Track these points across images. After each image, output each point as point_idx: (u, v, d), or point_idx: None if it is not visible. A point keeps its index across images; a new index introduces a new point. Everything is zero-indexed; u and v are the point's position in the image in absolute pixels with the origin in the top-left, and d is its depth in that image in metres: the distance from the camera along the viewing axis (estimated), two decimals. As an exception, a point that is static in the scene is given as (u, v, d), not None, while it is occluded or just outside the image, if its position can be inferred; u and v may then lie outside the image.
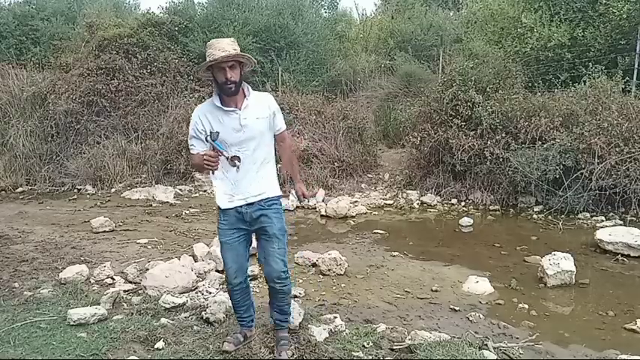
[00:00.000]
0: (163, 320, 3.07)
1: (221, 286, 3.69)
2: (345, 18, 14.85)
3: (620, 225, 5.38)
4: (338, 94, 10.42)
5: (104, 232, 5.53)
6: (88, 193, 7.94)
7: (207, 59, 2.41)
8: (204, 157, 2.33)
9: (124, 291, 3.62)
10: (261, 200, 2.55)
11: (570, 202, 5.98)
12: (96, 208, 6.90)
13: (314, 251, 4.56)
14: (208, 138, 2.38)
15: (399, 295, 3.79)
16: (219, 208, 2.59)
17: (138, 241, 5.13)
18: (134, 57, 9.19)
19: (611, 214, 5.95)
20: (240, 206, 2.53)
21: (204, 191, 7.85)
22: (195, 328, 2.99)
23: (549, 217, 6.05)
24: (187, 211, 6.64)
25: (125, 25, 9.86)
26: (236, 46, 2.44)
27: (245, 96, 2.51)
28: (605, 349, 2.98)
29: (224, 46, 2.40)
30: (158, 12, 11.08)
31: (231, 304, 2.82)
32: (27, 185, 8.43)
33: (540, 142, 6.26)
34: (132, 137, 8.75)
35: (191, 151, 2.56)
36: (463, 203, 6.85)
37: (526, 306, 3.58)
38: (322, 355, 2.68)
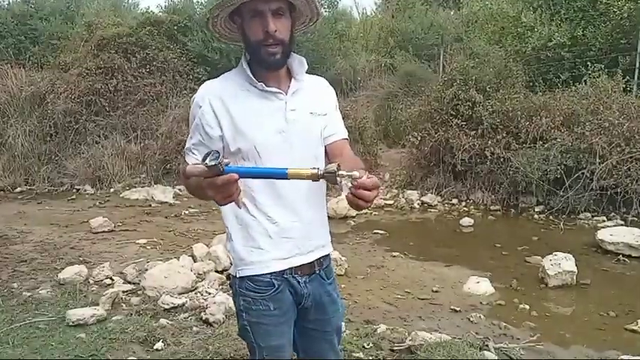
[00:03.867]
0: (162, 321, 3.05)
1: (220, 287, 3.67)
2: (345, 17, 14.80)
3: (622, 225, 5.36)
4: (338, 94, 10.31)
5: (103, 232, 5.50)
6: (87, 193, 7.92)
7: None
8: (218, 182, 1.11)
9: (123, 291, 3.59)
10: (322, 261, 1.52)
11: (571, 202, 5.96)
12: (95, 208, 6.87)
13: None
14: (209, 159, 1.11)
15: (399, 296, 3.77)
16: (240, 278, 1.44)
17: (137, 242, 5.10)
18: (133, 56, 9.16)
19: (613, 214, 5.93)
20: (292, 271, 1.44)
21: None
22: (194, 328, 2.98)
23: (550, 217, 6.03)
24: (186, 212, 6.61)
25: (124, 25, 9.85)
26: None
27: (293, 76, 1.44)
28: (606, 350, 2.96)
29: None
30: (157, 11, 11.10)
31: (231, 305, 2.77)
32: (26, 185, 8.40)
33: (541, 142, 6.25)
34: (131, 137, 8.73)
35: (187, 159, 1.41)
36: (464, 203, 6.83)
37: (527, 306, 3.56)
38: (322, 356, 2.66)
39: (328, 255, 1.56)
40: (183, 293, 3.56)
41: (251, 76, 1.38)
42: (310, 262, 1.47)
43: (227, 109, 1.37)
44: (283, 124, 1.40)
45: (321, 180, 1.31)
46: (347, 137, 1.55)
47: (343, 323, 3.04)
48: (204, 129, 1.38)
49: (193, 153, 1.40)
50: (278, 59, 1.35)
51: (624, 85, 6.82)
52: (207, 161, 1.10)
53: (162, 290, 3.50)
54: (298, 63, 1.44)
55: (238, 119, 1.37)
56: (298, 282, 1.45)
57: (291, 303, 1.46)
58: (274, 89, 1.40)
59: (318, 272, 1.50)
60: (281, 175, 1.16)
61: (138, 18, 10.33)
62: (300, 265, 1.45)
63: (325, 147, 1.50)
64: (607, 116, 6.02)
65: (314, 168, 1.14)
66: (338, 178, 1.13)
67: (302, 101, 1.44)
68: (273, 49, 1.33)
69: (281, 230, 1.41)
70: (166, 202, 7.20)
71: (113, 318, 3.11)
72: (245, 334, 1.48)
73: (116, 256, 4.66)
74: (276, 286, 1.42)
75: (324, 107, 1.49)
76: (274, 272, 1.42)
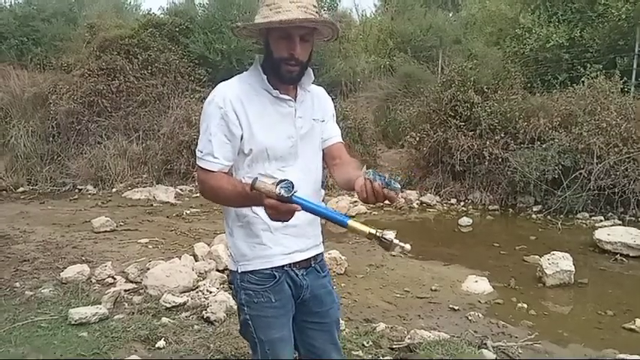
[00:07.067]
0: (164, 319, 3.08)
1: (221, 286, 3.70)
2: (345, 19, 14.83)
3: (619, 225, 5.41)
4: (338, 95, 10.42)
5: (105, 231, 5.53)
6: (89, 193, 7.95)
7: (270, 15, 1.37)
8: (282, 208, 1.21)
9: (125, 290, 3.62)
10: (317, 257, 1.60)
11: (569, 202, 6.00)
12: (97, 208, 6.90)
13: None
14: (284, 190, 1.19)
15: (398, 295, 3.80)
16: (241, 273, 1.49)
17: (139, 241, 5.14)
18: (135, 58, 9.21)
19: (610, 213, 5.97)
20: (290, 265, 1.51)
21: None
22: (195, 327, 3.00)
23: (548, 217, 6.07)
24: (188, 211, 6.65)
25: (126, 26, 9.90)
26: (315, 3, 1.43)
27: (299, 85, 1.53)
28: (603, 349, 3.00)
29: (302, 1, 1.38)
30: (159, 13, 11.12)
31: (232, 304, 2.79)
32: (28, 185, 8.43)
33: (539, 143, 6.29)
34: (133, 137, 8.77)
35: (204, 166, 1.43)
36: (462, 203, 6.87)
37: (525, 305, 3.59)
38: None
39: (321, 252, 1.65)
40: (185, 292, 3.59)
41: (267, 82, 1.46)
42: (307, 258, 1.56)
43: (245, 111, 1.43)
44: (292, 130, 1.50)
45: (318, 182, 1.51)
46: (342, 141, 1.67)
47: (343, 322, 3.08)
48: (230, 128, 1.42)
49: (216, 157, 1.42)
50: (295, 76, 1.46)
51: (622, 86, 6.86)
52: (282, 192, 1.18)
53: (163, 289, 3.53)
54: (306, 75, 1.52)
55: (254, 122, 1.44)
56: (297, 274, 1.52)
57: (290, 296, 1.53)
58: (286, 97, 1.49)
59: (313, 266, 1.58)
60: (341, 223, 1.24)
61: (140, 20, 10.35)
62: (299, 260, 1.53)
63: (323, 150, 1.62)
64: (604, 117, 6.06)
65: (374, 229, 1.24)
66: (393, 246, 1.25)
67: (306, 109, 1.55)
68: (293, 68, 1.43)
69: (282, 227, 1.44)
70: (168, 202, 7.24)
71: (115, 317, 3.14)
72: (246, 329, 1.53)
73: (118, 255, 4.69)
74: (277, 277, 1.49)
75: (322, 114, 1.61)
76: (275, 267, 1.49)
